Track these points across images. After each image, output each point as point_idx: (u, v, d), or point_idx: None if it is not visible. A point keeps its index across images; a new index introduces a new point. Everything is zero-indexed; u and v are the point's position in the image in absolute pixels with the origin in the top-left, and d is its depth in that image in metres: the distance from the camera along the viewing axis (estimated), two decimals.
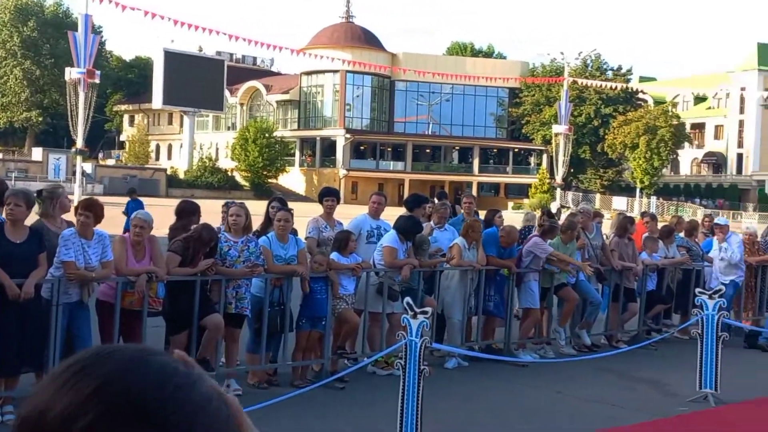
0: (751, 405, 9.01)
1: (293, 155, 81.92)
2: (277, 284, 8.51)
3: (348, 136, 78.32)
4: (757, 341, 12.36)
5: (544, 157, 79.43)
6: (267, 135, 74.51)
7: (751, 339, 12.44)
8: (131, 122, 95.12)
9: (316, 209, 10.10)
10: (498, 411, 8.25)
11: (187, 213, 8.88)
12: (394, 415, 6.55)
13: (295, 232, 8.89)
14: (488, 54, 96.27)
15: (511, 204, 74.70)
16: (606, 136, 73.83)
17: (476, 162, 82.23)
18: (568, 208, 59.53)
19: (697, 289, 9.53)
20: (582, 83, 69.11)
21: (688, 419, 8.25)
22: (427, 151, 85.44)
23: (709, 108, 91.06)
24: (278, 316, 8.52)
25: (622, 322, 12.17)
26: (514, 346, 10.70)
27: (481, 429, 7.66)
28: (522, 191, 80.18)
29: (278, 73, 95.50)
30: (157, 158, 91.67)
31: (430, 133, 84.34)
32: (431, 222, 10.68)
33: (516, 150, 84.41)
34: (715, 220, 14.13)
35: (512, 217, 28.64)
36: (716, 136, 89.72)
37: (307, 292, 8.51)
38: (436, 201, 12.37)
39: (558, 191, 68.16)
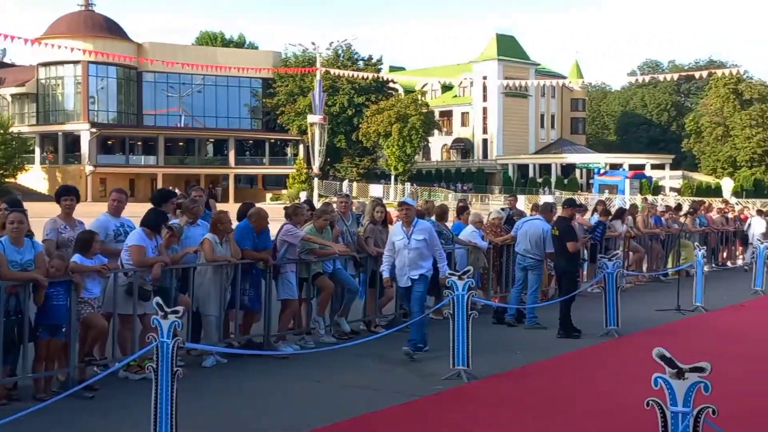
0: (501, 378, 9.45)
1: (33, 152, 77.00)
2: (13, 292, 7.81)
3: (93, 130, 74.84)
4: (505, 317, 13.06)
5: (301, 147, 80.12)
6: (2, 131, 69.40)
7: (499, 315, 13.13)
8: None
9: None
10: (258, 406, 8.08)
11: None
12: (148, 420, 6.21)
13: (31, 235, 8.20)
14: (239, 44, 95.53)
15: (269, 195, 74.75)
16: (360, 125, 75.65)
17: (232, 154, 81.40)
18: (327, 197, 60.43)
19: (448, 271, 9.85)
20: (334, 73, 70.27)
21: (443, 397, 8.50)
22: (180, 144, 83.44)
23: (455, 96, 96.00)
24: (15, 327, 7.82)
25: (380, 307, 12.41)
26: (274, 338, 10.56)
27: (241, 426, 7.46)
28: (280, 182, 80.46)
29: (12, 65, 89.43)
30: None
31: (182, 125, 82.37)
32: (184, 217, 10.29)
33: (272, 141, 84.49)
34: (403, 199, 11.96)
35: (271, 208, 28.48)
36: (463, 123, 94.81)
37: (40, 303, 7.89)
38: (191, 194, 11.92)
39: (316, 181, 68.96)
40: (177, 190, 14.47)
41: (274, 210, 16.06)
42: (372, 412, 7.85)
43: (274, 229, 10.89)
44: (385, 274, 10.75)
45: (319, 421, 7.44)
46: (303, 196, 56.17)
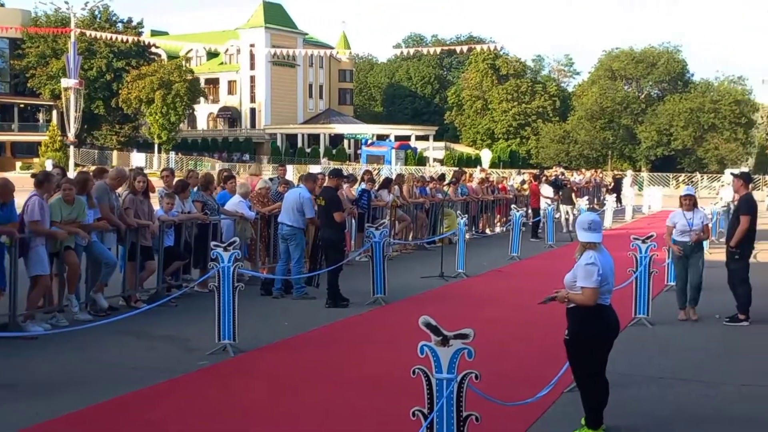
0: (269, 350, 9.25)
1: None
2: None
3: None
4: (272, 289, 12.84)
5: (54, 113, 75.45)
6: None
7: (268, 286, 12.91)
8: None
9: None
10: (2, 394, 7.34)
11: None
12: None
13: None
14: None
15: (19, 164, 69.89)
16: (120, 91, 72.35)
17: None
18: (84, 166, 57.38)
19: (213, 243, 9.48)
20: (91, 35, 66.54)
21: (208, 372, 8.18)
22: None
23: (222, 63, 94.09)
24: None
25: (141, 281, 11.79)
26: (21, 318, 9.70)
27: None
28: (32, 150, 75.31)
29: None
30: None
31: None
32: None
33: (22, 105, 78.97)
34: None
35: (20, 178, 26.50)
36: (230, 92, 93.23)
37: None
38: None
39: (71, 149, 65.19)
40: None
41: (23, 180, 14.86)
42: (129, 392, 7.37)
43: (22, 199, 9.98)
44: None
45: (69, 406, 6.89)
46: (49, 164, 52.65)
